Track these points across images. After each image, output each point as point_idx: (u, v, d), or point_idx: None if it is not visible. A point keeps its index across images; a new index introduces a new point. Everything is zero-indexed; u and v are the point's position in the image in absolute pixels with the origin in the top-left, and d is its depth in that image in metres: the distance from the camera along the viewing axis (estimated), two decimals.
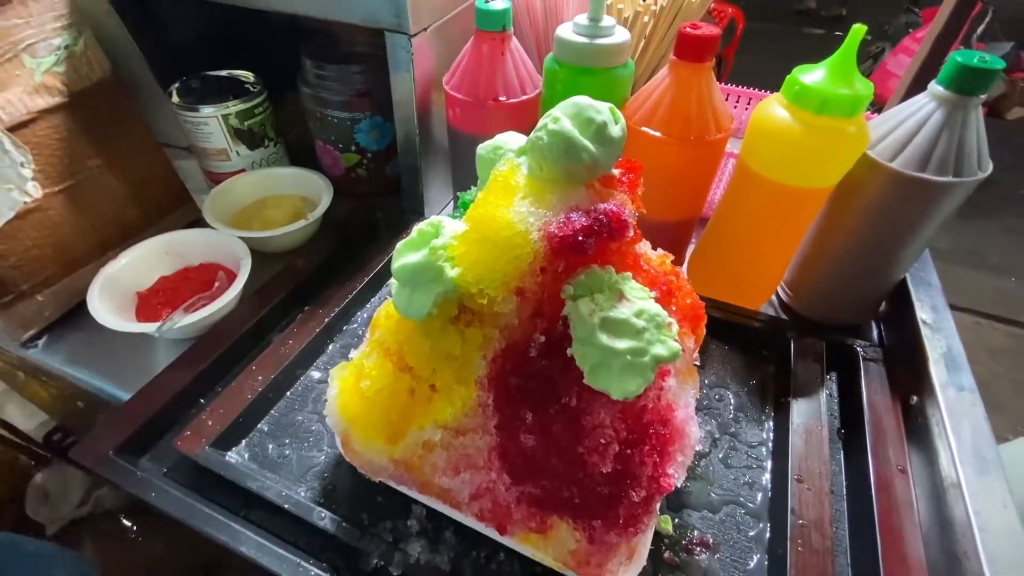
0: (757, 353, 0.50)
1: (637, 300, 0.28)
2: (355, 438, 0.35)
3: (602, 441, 0.29)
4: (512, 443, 0.31)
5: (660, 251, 0.35)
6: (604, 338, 0.26)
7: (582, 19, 0.46)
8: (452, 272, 0.29)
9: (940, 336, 0.45)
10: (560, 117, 0.26)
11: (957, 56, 0.38)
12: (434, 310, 0.30)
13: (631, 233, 0.28)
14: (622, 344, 0.26)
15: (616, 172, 0.30)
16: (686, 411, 0.33)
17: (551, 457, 0.30)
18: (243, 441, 0.42)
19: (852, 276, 0.49)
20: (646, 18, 0.55)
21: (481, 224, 0.27)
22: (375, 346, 0.35)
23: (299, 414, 0.44)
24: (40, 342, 0.50)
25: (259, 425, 0.43)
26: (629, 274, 0.29)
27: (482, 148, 0.33)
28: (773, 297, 0.57)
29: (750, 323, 0.50)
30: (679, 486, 0.33)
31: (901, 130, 0.41)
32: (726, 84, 0.71)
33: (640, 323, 0.27)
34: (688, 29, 0.41)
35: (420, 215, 0.63)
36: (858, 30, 0.38)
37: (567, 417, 0.29)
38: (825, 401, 0.44)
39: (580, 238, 0.26)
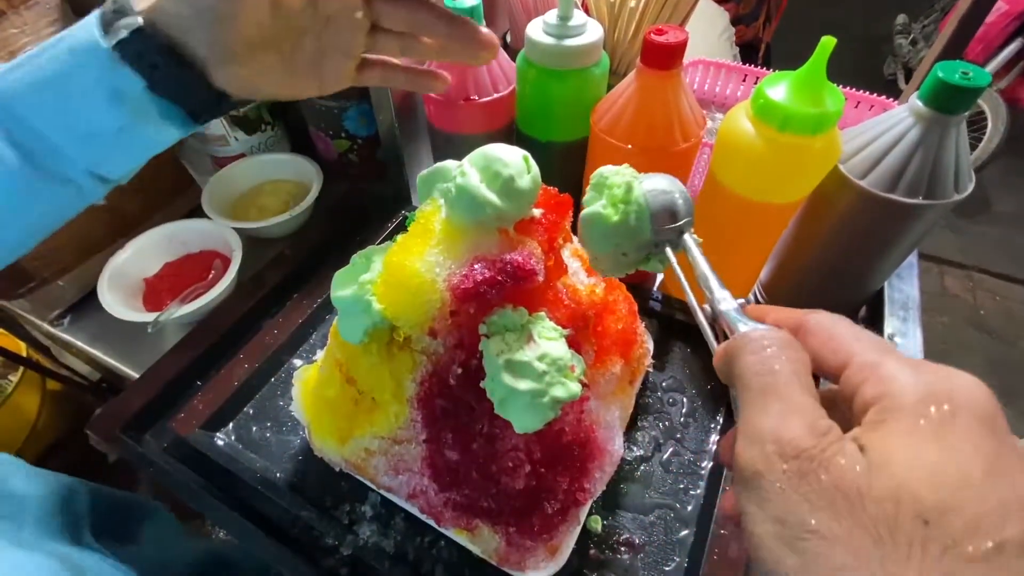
0: None
1: (544, 342, 0.29)
2: (313, 434, 0.40)
3: (510, 464, 0.31)
4: (439, 456, 0.34)
5: (592, 280, 0.36)
6: (508, 378, 0.28)
7: (552, 17, 0.45)
8: (379, 306, 0.31)
9: (904, 353, 0.45)
10: (467, 171, 0.27)
11: (939, 71, 0.35)
12: (365, 338, 0.32)
13: (540, 278, 0.29)
14: (524, 385, 0.28)
15: (537, 213, 0.31)
16: (608, 431, 0.35)
17: (471, 471, 0.33)
18: (230, 424, 0.47)
19: (823, 286, 0.48)
20: (632, 3, 0.52)
21: (394, 270, 0.29)
22: (329, 355, 0.39)
23: (281, 399, 0.49)
24: (65, 321, 0.57)
25: (245, 409, 0.48)
26: (543, 313, 0.30)
27: (419, 179, 0.34)
28: (751, 298, 0.56)
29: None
30: (618, 488, 0.36)
31: (876, 145, 0.39)
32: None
33: (542, 366, 0.28)
34: (653, 36, 0.40)
35: (407, 201, 0.64)
36: (827, 42, 0.35)
37: (484, 438, 0.32)
38: None
39: (482, 290, 0.27)
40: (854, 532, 0.14)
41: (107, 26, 0.26)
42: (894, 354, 0.17)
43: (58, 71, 0.27)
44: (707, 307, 0.23)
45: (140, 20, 0.26)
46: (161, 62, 0.26)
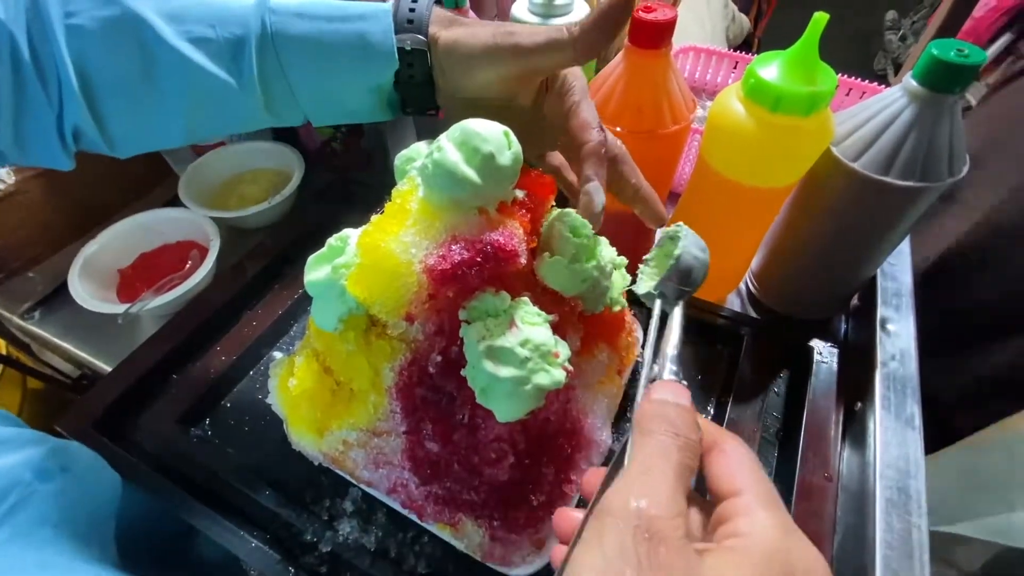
0: (712, 349, 0.50)
1: (527, 327, 0.28)
2: (291, 427, 0.38)
3: (493, 455, 0.30)
4: (419, 448, 0.33)
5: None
6: (489, 365, 0.27)
7: None
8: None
9: (896, 341, 0.44)
10: (444, 146, 0.26)
11: (933, 48, 0.34)
12: (340, 325, 0.31)
13: (522, 261, 0.28)
14: (505, 372, 0.27)
15: (520, 194, 0.29)
16: (595, 421, 0.34)
17: (453, 463, 0.32)
18: (207, 418, 0.46)
19: (816, 273, 0.47)
20: None
21: (368, 252, 0.27)
22: (307, 343, 0.37)
23: (259, 393, 0.47)
24: (36, 314, 0.55)
25: (222, 403, 0.47)
26: (526, 298, 0.29)
27: (398, 159, 0.33)
28: (742, 287, 0.55)
29: (709, 318, 0.50)
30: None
31: (869, 127, 0.38)
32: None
33: (524, 352, 0.27)
34: (641, 13, 0.38)
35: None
36: (820, 18, 0.34)
37: (466, 429, 0.31)
38: (769, 402, 0.44)
39: (460, 271, 0.26)
40: None
41: (398, 27, 0.30)
42: (775, 505, 0.19)
43: (340, 44, 0.29)
44: (655, 368, 0.25)
45: (427, 43, 0.30)
46: (421, 79, 0.31)
